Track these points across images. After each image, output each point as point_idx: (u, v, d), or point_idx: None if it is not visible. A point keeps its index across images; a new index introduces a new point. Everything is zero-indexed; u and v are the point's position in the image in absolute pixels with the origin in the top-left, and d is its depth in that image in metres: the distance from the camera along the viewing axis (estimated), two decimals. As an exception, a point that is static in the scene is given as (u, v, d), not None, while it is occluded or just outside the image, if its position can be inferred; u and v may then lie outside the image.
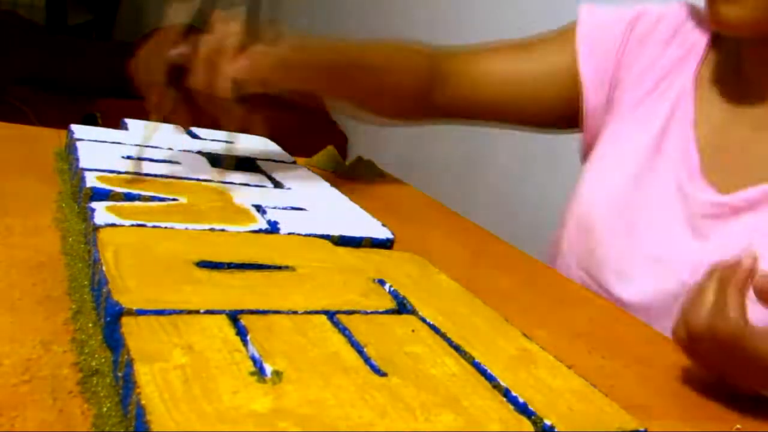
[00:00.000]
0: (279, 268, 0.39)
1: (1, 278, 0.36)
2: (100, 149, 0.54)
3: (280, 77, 0.55)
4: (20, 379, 0.28)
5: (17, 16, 2.79)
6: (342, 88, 0.63)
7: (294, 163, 0.62)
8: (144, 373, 0.27)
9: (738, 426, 0.37)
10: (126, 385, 0.28)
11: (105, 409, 0.28)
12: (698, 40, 0.60)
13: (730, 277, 0.37)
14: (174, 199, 0.47)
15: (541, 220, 0.90)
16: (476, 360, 0.33)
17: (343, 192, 0.57)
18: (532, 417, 0.30)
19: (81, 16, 3.09)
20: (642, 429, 0.31)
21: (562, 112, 0.66)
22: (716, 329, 0.36)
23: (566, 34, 0.65)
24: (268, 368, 0.29)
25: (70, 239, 0.42)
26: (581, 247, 0.60)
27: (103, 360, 0.31)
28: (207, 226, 0.43)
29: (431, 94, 0.67)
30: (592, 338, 0.44)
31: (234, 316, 0.33)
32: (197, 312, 0.32)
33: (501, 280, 0.51)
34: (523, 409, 0.30)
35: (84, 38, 2.93)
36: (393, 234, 0.49)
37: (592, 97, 0.64)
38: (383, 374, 0.30)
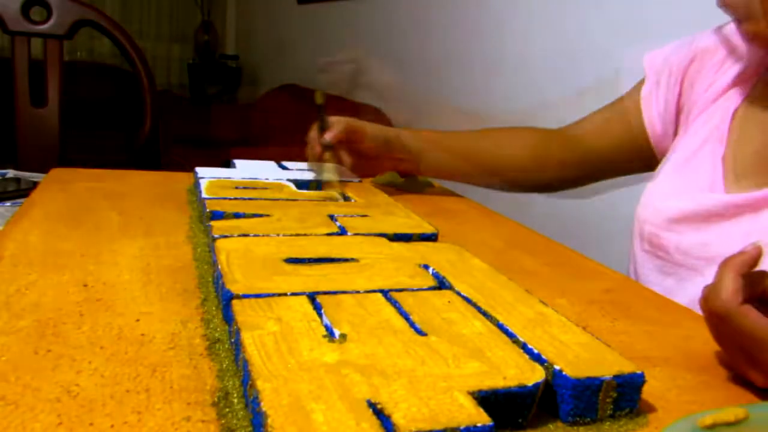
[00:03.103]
0: (346, 260, 0.41)
1: (152, 278, 0.40)
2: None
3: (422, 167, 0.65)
4: (168, 346, 0.32)
5: (171, 93, 3.03)
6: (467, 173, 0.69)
7: (360, 181, 0.65)
8: (248, 338, 0.30)
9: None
10: (237, 347, 0.30)
11: (225, 365, 0.31)
12: (751, 62, 0.56)
13: (734, 263, 0.34)
14: (267, 216, 0.50)
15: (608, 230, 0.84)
16: (500, 322, 0.33)
17: (398, 200, 0.58)
18: (544, 363, 0.30)
19: (213, 87, 3.31)
20: (639, 372, 0.30)
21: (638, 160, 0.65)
22: (709, 308, 0.34)
23: (634, 92, 0.65)
24: (336, 332, 0.31)
25: (199, 249, 0.46)
26: (651, 255, 0.57)
27: (222, 331, 0.34)
28: (293, 233, 0.46)
29: (546, 162, 0.69)
30: (606, 305, 0.43)
31: (312, 297, 0.35)
32: (285, 294, 0.35)
33: (527, 262, 0.50)
34: (536, 358, 0.30)
35: (217, 103, 3.14)
36: (437, 230, 0.50)
37: (660, 138, 0.63)
38: (424, 334, 0.31)
